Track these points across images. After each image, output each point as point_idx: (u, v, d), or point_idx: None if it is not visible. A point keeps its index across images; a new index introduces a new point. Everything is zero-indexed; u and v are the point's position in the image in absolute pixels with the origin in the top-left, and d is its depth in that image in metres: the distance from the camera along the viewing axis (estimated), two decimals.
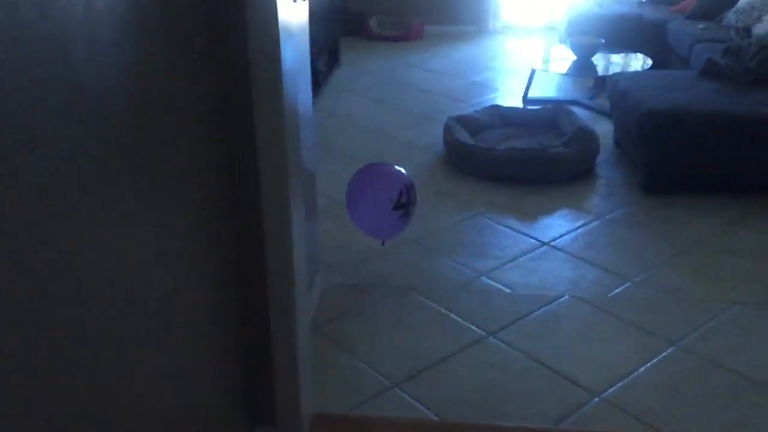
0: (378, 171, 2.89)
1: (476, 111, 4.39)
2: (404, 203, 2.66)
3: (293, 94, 1.63)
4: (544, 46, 5.12)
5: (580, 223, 3.34)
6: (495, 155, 3.76)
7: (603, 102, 4.68)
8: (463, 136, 4.00)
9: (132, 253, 1.17)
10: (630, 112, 3.69)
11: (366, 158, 4.01)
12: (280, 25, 1.48)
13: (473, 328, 2.50)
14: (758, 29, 4.30)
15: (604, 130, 4.33)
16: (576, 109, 4.76)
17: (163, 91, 1.28)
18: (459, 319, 2.54)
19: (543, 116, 4.34)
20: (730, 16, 4.76)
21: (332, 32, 5.63)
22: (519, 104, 4.97)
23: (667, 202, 3.51)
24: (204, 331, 1.53)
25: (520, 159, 3.73)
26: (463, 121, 4.21)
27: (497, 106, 4.45)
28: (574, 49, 4.82)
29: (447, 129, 4.06)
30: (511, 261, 3.00)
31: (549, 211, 3.47)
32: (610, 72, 4.71)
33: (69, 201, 0.97)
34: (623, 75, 4.08)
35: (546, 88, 5.24)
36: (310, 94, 2.39)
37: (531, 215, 3.42)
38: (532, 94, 5.06)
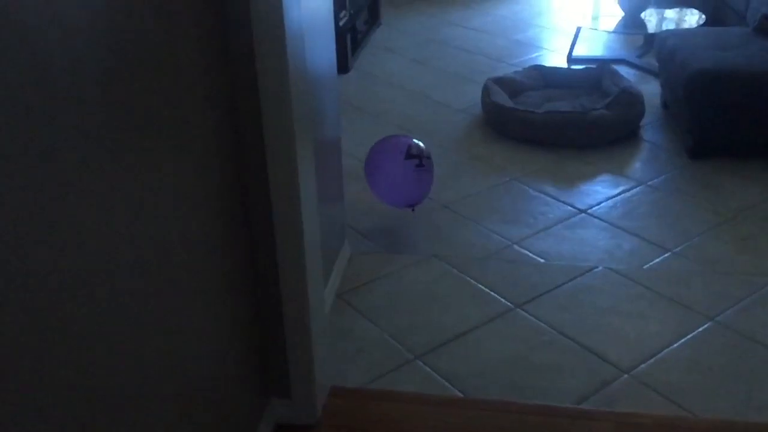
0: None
1: (516, 71, 4.25)
2: (415, 154, 2.81)
3: (300, 55, 1.57)
4: (591, 2, 4.89)
5: (619, 189, 3.22)
6: (534, 118, 3.64)
7: (652, 61, 4.46)
8: (502, 98, 3.88)
9: (144, 228, 1.16)
10: (677, 72, 3.51)
11: (401, 120, 3.95)
12: None
13: (500, 299, 2.44)
14: None
15: (651, 90, 4.15)
16: (623, 69, 4.57)
17: (161, 66, 1.25)
18: (486, 290, 2.49)
19: (587, 77, 4.17)
20: None
21: None
22: (563, 64, 4.80)
23: (713, 168, 3.35)
24: (216, 302, 1.53)
25: (560, 122, 3.60)
26: (502, 82, 4.08)
27: (539, 66, 4.30)
28: (623, 4, 4.60)
29: (485, 90, 3.95)
30: (544, 229, 2.92)
31: (588, 176, 3.35)
32: (661, 29, 4.49)
33: (69, 171, 0.96)
34: (672, 33, 3.87)
35: (592, 47, 5.04)
36: (334, 55, 2.32)
37: (569, 181, 3.31)
38: (577, 52, 4.87)
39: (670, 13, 4.76)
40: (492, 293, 2.48)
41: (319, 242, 1.77)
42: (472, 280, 2.55)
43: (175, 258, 1.31)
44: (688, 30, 3.99)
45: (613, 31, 4.70)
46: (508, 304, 2.42)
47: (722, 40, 3.66)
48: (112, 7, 1.07)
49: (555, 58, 4.90)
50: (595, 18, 4.79)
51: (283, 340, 1.73)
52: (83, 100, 1.01)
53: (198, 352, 1.43)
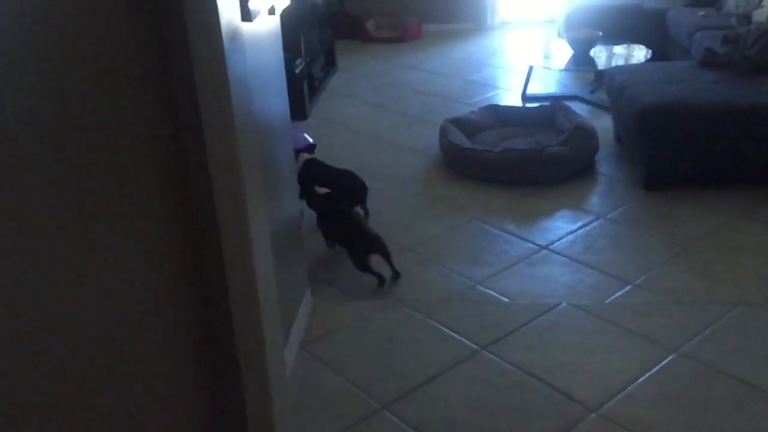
0: None
1: (472, 112, 4.31)
2: None
3: (246, 103, 1.56)
4: (543, 42, 5.02)
5: (579, 224, 3.25)
6: (491, 157, 3.68)
7: (604, 96, 4.57)
8: (459, 138, 3.92)
9: (81, 296, 1.12)
10: (627, 107, 3.59)
11: (360, 165, 3.95)
12: (226, 43, 1.41)
13: (466, 341, 2.42)
14: (758, 15, 4.18)
15: (604, 125, 4.24)
16: (576, 105, 4.67)
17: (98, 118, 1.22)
18: (451, 333, 2.47)
19: (541, 114, 4.25)
20: (730, 2, 4.64)
21: (328, 37, 5.58)
22: (518, 102, 4.89)
23: (668, 198, 3.41)
24: (168, 360, 1.47)
25: (517, 160, 3.64)
26: (459, 122, 4.13)
27: (494, 106, 4.37)
28: (572, 43, 4.72)
29: (442, 131, 3.99)
30: (507, 267, 2.93)
31: (548, 213, 3.38)
32: (610, 65, 4.61)
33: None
34: (620, 69, 3.98)
35: (545, 84, 5.15)
36: (286, 103, 2.32)
37: (529, 218, 3.34)
38: (531, 90, 4.97)
39: (618, 50, 4.90)
40: (457, 336, 2.45)
41: (275, 297, 1.74)
42: (436, 324, 2.53)
43: (118, 328, 1.27)
44: (636, 65, 4.11)
45: (564, 69, 4.81)
46: (474, 346, 2.39)
47: (668, 74, 3.77)
48: (49, 56, 1.04)
49: (510, 96, 5.00)
50: (546, 57, 4.91)
51: (242, 402, 1.68)
52: (26, 153, 0.98)
53: (152, 410, 1.38)
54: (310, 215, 3.23)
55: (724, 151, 3.41)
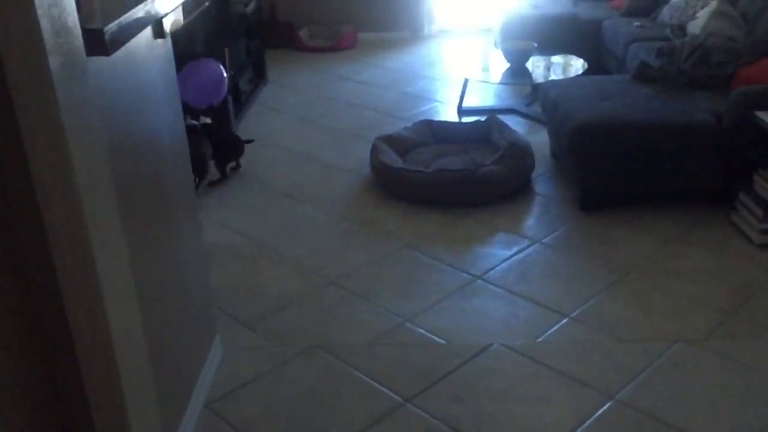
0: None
1: (405, 128, 4.12)
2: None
3: (99, 153, 1.32)
4: (479, 53, 4.87)
5: (514, 249, 3.09)
6: (423, 178, 3.50)
7: (540, 109, 4.46)
8: (391, 157, 3.73)
9: None
10: (561, 124, 3.46)
11: (287, 186, 3.73)
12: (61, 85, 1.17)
13: (389, 393, 2.22)
14: (692, 27, 4.11)
15: (540, 140, 4.11)
16: (512, 118, 4.55)
17: None
18: (374, 383, 2.27)
19: (476, 130, 4.09)
20: (665, 13, 4.58)
21: (256, 47, 5.32)
22: (454, 116, 4.73)
23: (605, 220, 3.29)
24: None
25: (451, 181, 3.47)
26: (391, 140, 3.94)
27: (428, 122, 4.19)
28: (507, 55, 4.59)
29: (374, 150, 3.79)
30: (439, 301, 2.74)
31: (482, 238, 3.21)
32: (545, 78, 4.50)
33: None
34: (554, 84, 3.86)
35: (482, 97, 5.01)
36: (181, 124, 2.07)
37: (463, 243, 3.16)
38: (467, 103, 4.82)
39: (554, 61, 4.80)
40: (380, 387, 2.25)
41: (147, 372, 1.50)
42: (358, 373, 2.32)
43: None
44: (570, 80, 3.99)
45: (499, 83, 4.67)
46: (397, 398, 2.20)
47: (603, 89, 3.66)
48: None
49: (446, 110, 4.84)
50: (483, 69, 4.76)
51: None
52: None
53: None
54: (232, 244, 2.99)
55: (661, 170, 3.31)
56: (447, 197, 3.50)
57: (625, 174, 3.33)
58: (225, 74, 4.08)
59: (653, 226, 3.22)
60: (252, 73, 5.20)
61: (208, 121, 3.87)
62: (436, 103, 4.97)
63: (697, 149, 3.24)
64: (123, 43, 1.33)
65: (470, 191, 3.48)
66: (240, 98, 4.76)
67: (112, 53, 1.28)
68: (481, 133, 4.06)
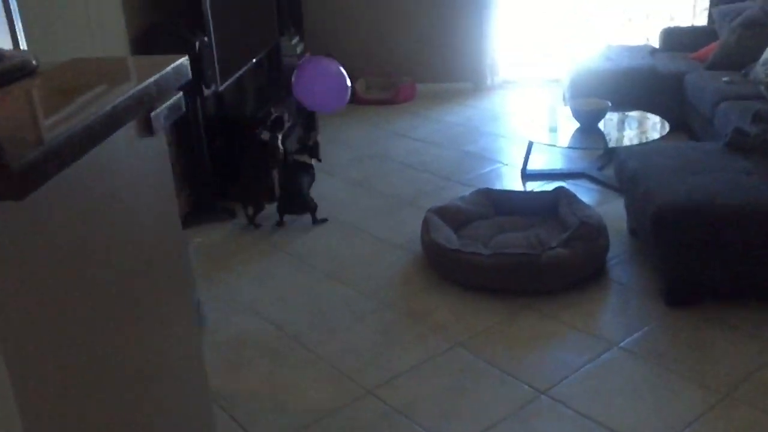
0: None
1: (462, 198, 3.71)
2: None
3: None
4: (545, 110, 4.44)
5: (586, 356, 2.63)
6: (480, 262, 3.08)
7: (614, 173, 3.99)
8: (445, 234, 3.33)
9: None
10: (642, 203, 2.99)
11: (328, 264, 3.37)
12: None
13: None
14: None
15: (616, 212, 3.64)
16: (583, 185, 4.10)
17: None
18: None
19: (542, 202, 3.65)
20: (758, 69, 4.06)
21: None
22: (518, 179, 4.31)
23: (696, 319, 2.79)
24: None
25: (511, 266, 3.04)
26: (445, 212, 3.54)
27: (488, 191, 3.77)
28: (577, 115, 4.16)
29: (425, 225, 3.40)
30: (492, 425, 2.30)
31: (548, 337, 2.76)
32: (621, 141, 4.04)
33: None
34: (631, 152, 3.39)
35: (549, 158, 4.57)
36: (173, 209, 1.71)
37: (525, 345, 2.72)
38: (533, 166, 4.39)
39: (631, 122, 4.33)
40: None
41: None
42: None
43: None
44: (650, 147, 3.51)
45: (567, 147, 4.22)
46: None
47: (690, 160, 3.18)
48: None
49: (510, 172, 4.42)
50: (550, 129, 4.32)
51: None
52: None
53: None
54: (260, 334, 2.64)
55: (761, 261, 2.79)
56: (508, 284, 3.07)
57: (719, 264, 2.83)
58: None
59: (755, 329, 2.70)
60: (302, 132, 4.92)
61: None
62: (499, 165, 4.56)
63: None
64: (49, 177, 0.98)
65: (534, 279, 3.04)
66: (286, 159, 4.47)
67: (30, 194, 0.92)
68: (547, 205, 3.61)
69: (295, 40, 5.59)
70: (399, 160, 4.71)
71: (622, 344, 2.68)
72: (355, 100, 5.97)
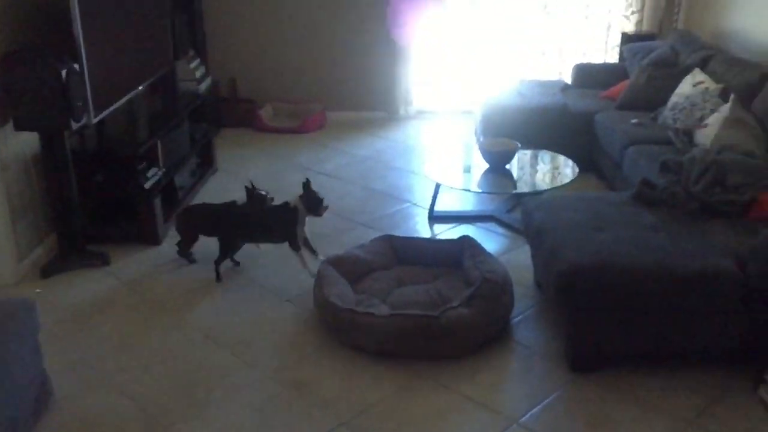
0: None
1: (361, 246, 3.43)
2: None
3: None
4: (457, 149, 4.23)
5: None
6: (374, 323, 2.81)
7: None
8: (339, 288, 3.04)
9: None
10: (547, 260, 2.80)
11: (206, 322, 2.93)
12: None
13: None
14: (702, 137, 3.50)
15: (522, 260, 3.46)
16: (490, 229, 3.91)
17: None
18: None
19: (446, 251, 3.41)
20: (667, 114, 3.98)
21: (204, 131, 4.68)
22: (425, 220, 4.08)
23: (601, 389, 2.60)
24: None
25: (408, 330, 2.78)
26: (342, 263, 3.26)
27: (389, 238, 3.51)
28: (486, 157, 3.97)
29: (319, 278, 3.11)
30: None
31: (442, 414, 2.50)
32: (530, 185, 3.88)
33: None
34: (539, 203, 3.19)
35: (458, 198, 4.36)
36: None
37: (417, 424, 2.45)
38: (441, 206, 4.18)
39: (542, 163, 4.18)
40: None
41: None
42: None
43: None
44: (557, 199, 3.31)
45: (474, 191, 4.00)
46: None
47: (597, 214, 3.01)
48: None
49: (417, 213, 4.19)
50: (466, 170, 4.05)
51: None
52: None
53: None
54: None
55: (670, 326, 2.63)
56: (404, 349, 2.81)
57: (626, 329, 2.65)
58: None
59: (663, 401, 2.53)
60: (195, 165, 4.55)
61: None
62: (407, 205, 4.32)
63: (715, 303, 2.57)
64: None
65: (433, 343, 2.79)
66: (176, 197, 4.10)
67: None
68: (451, 255, 3.38)
69: (194, 64, 5.23)
70: None
71: (521, 420, 2.45)
72: (261, 127, 5.63)
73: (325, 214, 3.42)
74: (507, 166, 4.02)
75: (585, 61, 5.65)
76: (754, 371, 2.57)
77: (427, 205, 4.19)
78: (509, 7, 5.69)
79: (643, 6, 5.52)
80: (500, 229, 3.96)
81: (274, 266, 3.53)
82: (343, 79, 5.87)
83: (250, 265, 3.54)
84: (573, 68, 5.33)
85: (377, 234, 3.62)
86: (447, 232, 3.95)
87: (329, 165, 4.96)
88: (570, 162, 4.08)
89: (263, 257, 3.61)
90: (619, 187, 3.99)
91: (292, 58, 5.83)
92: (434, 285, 3.15)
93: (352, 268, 3.26)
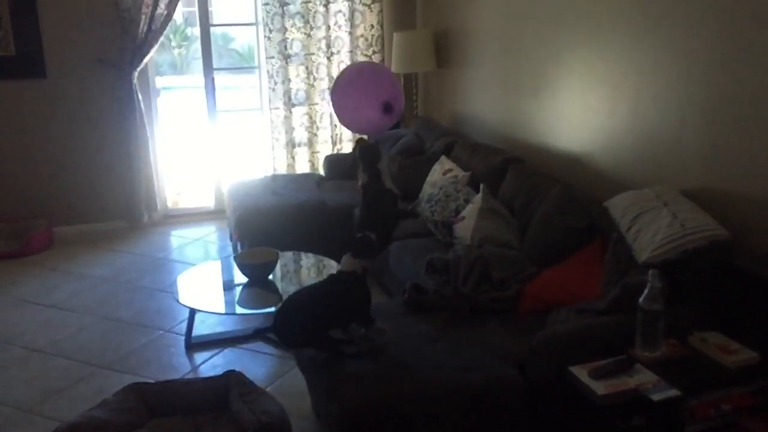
0: None
1: (103, 404, 2.77)
2: None
3: None
4: (207, 272, 3.78)
5: None
6: None
7: None
8: None
9: None
10: (325, 399, 2.45)
11: None
12: None
13: None
14: (461, 230, 3.47)
15: (296, 384, 3.08)
16: (258, 349, 3.51)
17: None
18: None
19: (208, 393, 2.88)
20: (424, 206, 3.94)
21: None
22: (182, 350, 3.53)
23: None
24: None
25: None
26: (81, 429, 2.59)
27: (138, 387, 2.88)
28: (245, 271, 3.56)
29: None
30: None
31: None
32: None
33: None
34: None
35: (218, 317, 3.87)
36: None
37: None
38: (199, 330, 3.66)
39: (305, 268, 3.89)
40: None
41: None
42: None
43: None
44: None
45: (234, 314, 3.55)
46: None
47: None
48: None
49: (172, 342, 3.62)
50: (228, 287, 3.59)
51: None
52: None
53: None
54: None
55: None
56: None
57: None
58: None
59: None
60: None
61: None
62: (159, 333, 3.73)
63: (505, 418, 2.41)
64: None
65: None
66: None
67: None
68: (216, 396, 2.87)
69: None
70: (22, 343, 3.58)
71: None
72: None
73: (59, 361, 2.74)
74: (270, 277, 3.66)
75: (335, 151, 5.58)
76: None
77: (183, 331, 3.65)
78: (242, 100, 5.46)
79: None
80: (268, 348, 3.55)
81: None
82: (71, 187, 5.13)
83: None
84: (324, 160, 5.21)
85: (124, 378, 3.03)
86: (211, 360, 3.46)
87: (59, 294, 4.18)
88: (335, 263, 3.84)
89: None
90: (388, 285, 3.83)
91: (7, 171, 4.96)
92: None
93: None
